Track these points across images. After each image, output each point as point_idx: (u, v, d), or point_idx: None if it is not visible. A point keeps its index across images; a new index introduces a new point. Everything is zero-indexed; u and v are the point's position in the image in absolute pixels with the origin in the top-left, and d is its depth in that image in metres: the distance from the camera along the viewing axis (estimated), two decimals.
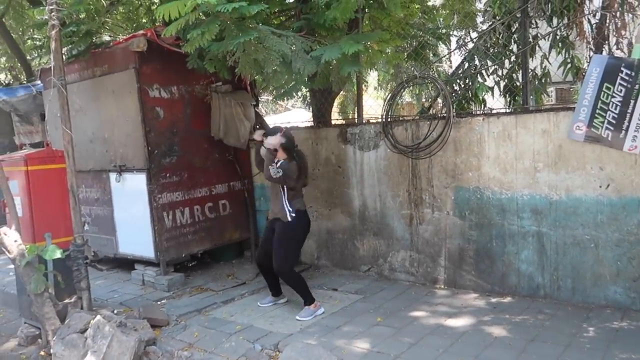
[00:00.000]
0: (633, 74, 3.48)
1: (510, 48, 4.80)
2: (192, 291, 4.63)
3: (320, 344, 3.33)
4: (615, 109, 3.55)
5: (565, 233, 3.79)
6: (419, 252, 4.51)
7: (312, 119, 6.01)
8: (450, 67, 7.32)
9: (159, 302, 4.36)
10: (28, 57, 8.72)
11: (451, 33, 6.35)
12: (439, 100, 5.10)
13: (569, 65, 4.49)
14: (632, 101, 3.50)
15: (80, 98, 5.04)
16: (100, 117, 4.94)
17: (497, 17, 4.83)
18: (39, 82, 6.27)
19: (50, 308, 3.46)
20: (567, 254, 3.81)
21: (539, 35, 4.61)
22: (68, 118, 3.73)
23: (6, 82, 9.84)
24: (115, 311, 3.88)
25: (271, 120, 8.92)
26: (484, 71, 4.93)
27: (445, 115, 4.21)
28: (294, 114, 10.67)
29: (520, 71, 4.31)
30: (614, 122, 3.56)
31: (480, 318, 3.64)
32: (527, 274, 3.99)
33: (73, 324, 3.38)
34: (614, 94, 3.55)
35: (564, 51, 4.49)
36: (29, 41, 8.84)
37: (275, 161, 3.84)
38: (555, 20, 4.49)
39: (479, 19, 5.80)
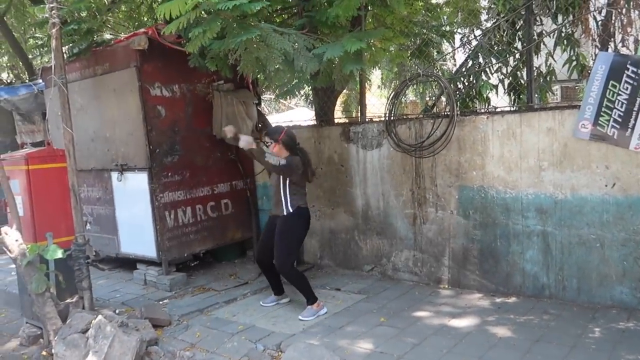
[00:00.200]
0: (639, 71, 3.44)
1: (515, 45, 4.76)
2: (194, 291, 4.61)
3: (322, 344, 3.31)
4: (621, 107, 3.52)
5: (571, 232, 3.75)
6: (423, 251, 4.48)
7: (314, 118, 5.97)
8: (454, 65, 7.27)
9: (161, 302, 4.34)
10: (30, 56, 8.72)
11: (455, 30, 6.31)
12: (443, 98, 5.06)
13: (574, 63, 4.45)
14: (638, 99, 3.46)
15: (82, 97, 5.02)
16: (102, 116, 4.92)
17: (501, 14, 4.79)
18: (40, 80, 6.26)
19: (51, 308, 3.45)
20: (572, 253, 3.77)
21: (543, 32, 4.56)
22: (69, 117, 3.72)
23: (8, 81, 9.83)
24: (117, 311, 3.87)
25: (274, 119, 8.90)
26: (488, 69, 4.90)
27: (449, 113, 4.18)
28: (296, 113, 10.63)
29: (525, 69, 4.27)
30: (619, 120, 3.52)
31: (485, 318, 3.61)
32: (532, 274, 3.95)
33: (74, 324, 3.36)
34: (619, 92, 3.51)
35: (569, 49, 4.45)
36: (30, 40, 8.84)
37: (277, 160, 3.82)
38: (560, 18, 4.45)
39: (483, 17, 5.76)
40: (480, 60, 4.97)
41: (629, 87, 3.48)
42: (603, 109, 3.56)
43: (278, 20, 5.19)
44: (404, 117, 4.72)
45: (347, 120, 6.20)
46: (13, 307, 4.46)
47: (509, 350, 3.11)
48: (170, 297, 4.47)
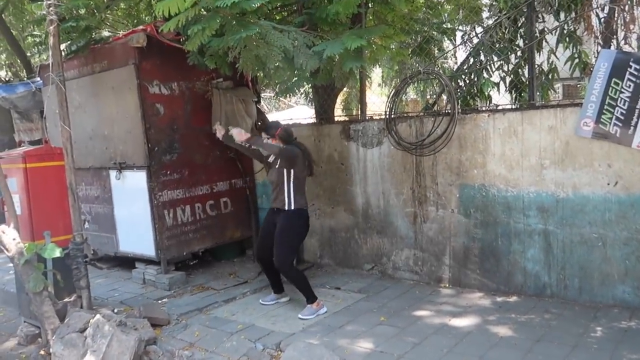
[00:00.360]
0: None
1: (517, 43, 4.73)
2: (193, 290, 4.59)
3: (322, 343, 3.29)
4: (624, 104, 3.49)
5: (572, 231, 3.73)
6: (423, 250, 4.46)
7: (314, 116, 5.95)
8: (456, 62, 7.24)
9: (159, 301, 4.32)
10: (28, 54, 8.69)
11: (456, 28, 6.28)
12: (444, 96, 5.04)
13: (577, 61, 4.42)
14: None
15: (80, 94, 4.99)
16: (100, 114, 4.89)
17: (503, 11, 4.76)
18: (38, 78, 6.23)
19: (49, 307, 3.43)
20: (574, 252, 3.75)
21: (545, 29, 4.54)
22: (67, 115, 3.69)
23: (6, 79, 9.80)
24: (115, 310, 3.85)
25: (274, 118, 8.86)
26: (489, 66, 4.87)
27: (449, 111, 4.15)
28: (296, 111, 10.61)
29: (527, 66, 4.24)
30: (622, 118, 3.49)
31: (486, 317, 3.59)
32: (533, 273, 3.93)
33: (72, 323, 3.34)
34: (622, 90, 3.48)
35: (571, 46, 4.43)
36: (29, 38, 8.80)
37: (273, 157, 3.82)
38: (562, 15, 4.42)
39: (485, 14, 5.73)
40: (482, 57, 4.94)
41: (632, 84, 3.45)
42: (605, 107, 3.53)
43: (278, 18, 5.17)
44: (405, 115, 4.70)
45: (347, 118, 6.17)
46: (11, 306, 4.44)
47: (510, 350, 3.09)
48: (169, 296, 4.44)
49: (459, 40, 6.45)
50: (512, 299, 3.92)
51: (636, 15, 3.95)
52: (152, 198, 4.59)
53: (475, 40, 5.30)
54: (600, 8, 4.19)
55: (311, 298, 3.88)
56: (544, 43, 4.56)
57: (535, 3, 4.05)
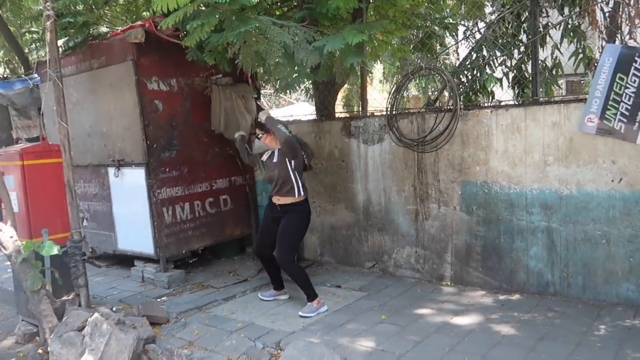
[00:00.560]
0: None
1: (520, 38, 4.69)
2: (192, 288, 4.56)
3: (323, 342, 3.26)
4: (629, 100, 3.44)
5: (576, 229, 3.69)
6: (425, 248, 4.42)
7: (315, 112, 5.90)
8: (458, 58, 7.20)
9: (158, 300, 4.29)
10: (25, 50, 8.65)
11: (458, 23, 6.23)
12: (446, 92, 4.99)
13: (581, 56, 4.37)
14: None
15: (77, 91, 4.95)
16: (98, 111, 4.85)
17: (506, 6, 4.71)
18: (36, 75, 6.19)
19: (47, 305, 3.41)
20: (577, 250, 3.71)
21: (549, 24, 4.48)
22: (64, 111, 3.66)
23: (4, 75, 9.76)
24: (114, 308, 3.83)
25: (274, 114, 8.81)
26: (492, 62, 4.83)
27: (452, 107, 4.10)
28: (297, 108, 10.56)
29: (530, 62, 4.19)
30: (627, 114, 3.45)
31: (488, 316, 3.56)
32: (536, 271, 3.89)
33: (70, 322, 3.32)
34: (627, 85, 3.44)
35: (575, 41, 4.37)
36: (26, 34, 8.76)
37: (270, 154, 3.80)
38: (566, 9, 4.37)
39: (488, 9, 5.68)
40: (485, 53, 4.90)
41: (637, 80, 3.40)
42: (610, 103, 3.49)
43: (277, 13, 5.12)
44: (406, 111, 4.65)
45: (348, 115, 6.12)
46: (9, 304, 4.42)
47: (512, 348, 3.06)
48: (168, 294, 4.42)
49: (461, 35, 6.40)
50: (515, 297, 3.89)
51: None
52: (151, 195, 4.56)
53: (478, 36, 5.25)
54: (605, 2, 4.13)
55: (312, 296, 3.86)
56: (548, 38, 4.51)
57: None
